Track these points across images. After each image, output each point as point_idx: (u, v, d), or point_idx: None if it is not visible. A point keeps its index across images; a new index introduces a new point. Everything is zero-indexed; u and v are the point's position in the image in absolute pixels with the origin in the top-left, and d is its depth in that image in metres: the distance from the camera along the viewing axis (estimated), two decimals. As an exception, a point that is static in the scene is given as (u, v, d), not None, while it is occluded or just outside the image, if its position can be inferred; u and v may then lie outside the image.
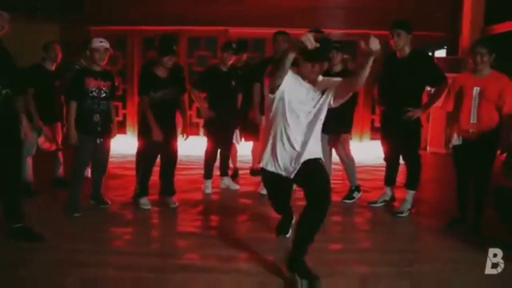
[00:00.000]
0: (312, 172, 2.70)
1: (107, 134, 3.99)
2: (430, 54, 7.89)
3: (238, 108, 4.80)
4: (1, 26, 3.02)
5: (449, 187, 4.01)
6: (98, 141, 3.91)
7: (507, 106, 3.31)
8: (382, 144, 4.14)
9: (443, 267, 2.94)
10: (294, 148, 2.74)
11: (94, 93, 3.81)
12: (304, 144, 2.74)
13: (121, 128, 7.56)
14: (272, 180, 2.93)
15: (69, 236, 3.33)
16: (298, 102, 2.70)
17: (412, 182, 3.97)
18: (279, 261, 2.83)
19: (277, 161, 2.78)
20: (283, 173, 2.79)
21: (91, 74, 3.84)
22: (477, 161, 3.44)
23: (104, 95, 3.87)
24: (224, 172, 4.87)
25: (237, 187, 4.87)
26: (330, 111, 2.79)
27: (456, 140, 3.53)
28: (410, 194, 3.98)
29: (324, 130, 2.90)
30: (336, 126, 4.04)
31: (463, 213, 3.66)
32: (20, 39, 7.58)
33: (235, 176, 5.17)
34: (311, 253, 2.69)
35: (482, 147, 3.38)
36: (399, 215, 3.92)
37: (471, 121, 3.39)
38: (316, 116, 2.75)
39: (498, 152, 3.43)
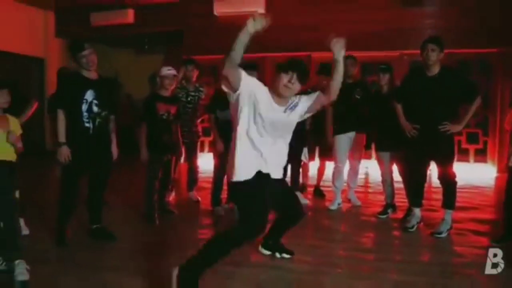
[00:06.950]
0: None
1: (175, 152, 4.48)
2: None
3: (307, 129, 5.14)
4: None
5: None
6: (165, 158, 4.38)
7: None
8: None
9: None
10: None
11: (163, 116, 4.25)
12: None
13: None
14: None
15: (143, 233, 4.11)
16: None
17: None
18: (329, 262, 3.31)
19: None
20: None
21: (161, 99, 4.28)
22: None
23: (172, 118, 4.33)
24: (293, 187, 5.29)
25: (306, 201, 5.23)
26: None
27: None
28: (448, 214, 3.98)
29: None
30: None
31: (510, 230, 3.64)
32: (130, 69, 8.94)
33: (302, 190, 5.51)
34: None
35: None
36: (438, 235, 3.94)
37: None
38: None
39: None
